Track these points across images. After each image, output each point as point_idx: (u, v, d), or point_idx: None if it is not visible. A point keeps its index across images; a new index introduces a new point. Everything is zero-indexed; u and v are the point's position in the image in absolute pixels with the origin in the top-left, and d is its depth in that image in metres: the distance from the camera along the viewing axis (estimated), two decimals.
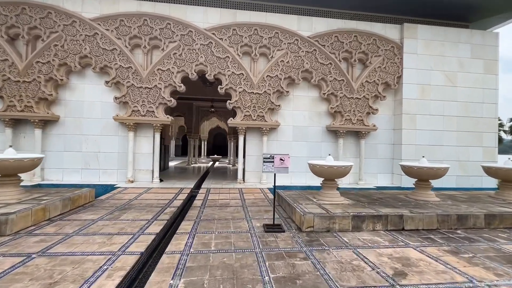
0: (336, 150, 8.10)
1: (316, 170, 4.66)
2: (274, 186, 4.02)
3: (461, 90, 8.32)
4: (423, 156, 5.37)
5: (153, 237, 3.36)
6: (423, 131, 8.12)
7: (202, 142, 22.22)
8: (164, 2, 7.65)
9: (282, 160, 3.71)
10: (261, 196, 6.15)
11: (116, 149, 7.44)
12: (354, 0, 8.17)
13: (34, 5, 6.88)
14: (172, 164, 15.36)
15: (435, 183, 5.27)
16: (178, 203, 5.27)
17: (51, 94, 6.92)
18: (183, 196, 5.92)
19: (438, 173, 4.92)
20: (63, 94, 7.27)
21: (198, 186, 7.58)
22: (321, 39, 7.85)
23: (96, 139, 7.36)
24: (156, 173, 7.50)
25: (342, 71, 7.89)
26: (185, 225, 3.90)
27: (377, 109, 8.09)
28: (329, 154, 5.01)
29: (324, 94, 7.89)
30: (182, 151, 24.35)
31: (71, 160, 7.28)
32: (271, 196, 6.30)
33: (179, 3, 7.72)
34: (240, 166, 8.02)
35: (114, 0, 7.27)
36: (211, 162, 16.99)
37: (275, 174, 3.87)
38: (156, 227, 3.72)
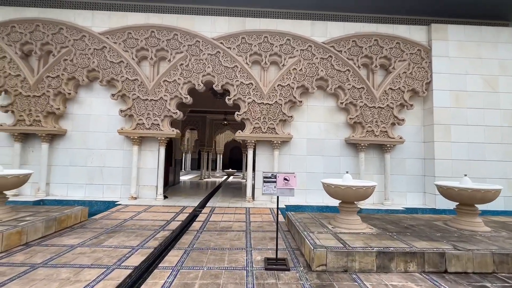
0: (357, 166, 7.23)
1: (331, 191, 3.91)
2: (277, 211, 3.34)
3: (504, 96, 7.19)
4: (465, 175, 4.42)
5: (128, 272, 2.80)
6: (459, 143, 7.03)
7: (218, 156, 21.94)
8: (172, 13, 7.52)
9: (287, 180, 3.05)
10: (269, 218, 5.43)
11: (120, 164, 7.16)
12: (373, 3, 7.53)
13: (48, 22, 7.00)
14: (185, 178, 15.06)
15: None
16: (175, 225, 4.72)
17: (59, 108, 6.86)
18: (183, 216, 5.37)
19: (487, 196, 3.95)
20: (71, 108, 7.21)
21: (203, 204, 7.02)
22: (337, 44, 7.22)
23: (101, 154, 7.14)
24: (160, 190, 7.07)
25: (361, 78, 7.15)
26: (172, 256, 3.30)
27: (403, 119, 7.17)
28: (347, 172, 4.24)
29: (342, 103, 7.16)
30: (199, 164, 24.20)
31: (76, 174, 7.09)
32: (281, 218, 5.56)
33: (187, 14, 7.55)
34: (249, 183, 7.38)
35: (123, 13, 7.25)
36: (225, 177, 16.49)
37: (278, 197, 3.20)
38: (138, 258, 3.16)
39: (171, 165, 10.49)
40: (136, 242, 3.71)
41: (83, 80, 6.94)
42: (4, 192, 4.01)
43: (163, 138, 7.02)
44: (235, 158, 26.66)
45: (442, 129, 7.04)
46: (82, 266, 2.90)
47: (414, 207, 6.98)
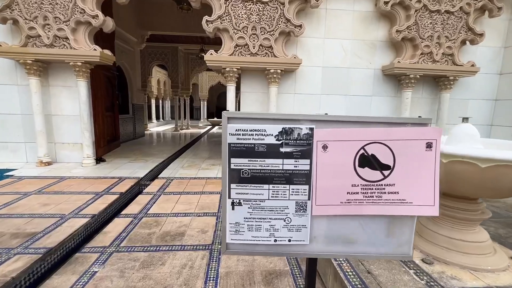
0: (396, 110, 4.69)
1: (452, 171, 1.39)
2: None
3: None
4: None
5: None
6: None
7: (202, 103, 18.95)
8: None
9: None
10: None
11: (18, 109, 4.35)
12: None
13: None
14: (159, 129, 12.38)
15: None
16: (66, 233, 2.26)
17: None
18: (101, 205, 2.88)
19: None
20: None
21: (160, 170, 4.52)
22: None
23: None
24: (88, 150, 4.43)
25: None
26: None
27: (482, 34, 4.38)
28: (467, 119, 1.67)
29: (387, 3, 4.20)
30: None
31: None
32: None
33: None
34: None
35: None
36: (209, 127, 13.90)
37: None
38: None
39: (127, 112, 7.68)
40: None
41: None
42: None
43: (80, 64, 4.06)
44: (224, 107, 23.74)
45: None
46: None
47: None
